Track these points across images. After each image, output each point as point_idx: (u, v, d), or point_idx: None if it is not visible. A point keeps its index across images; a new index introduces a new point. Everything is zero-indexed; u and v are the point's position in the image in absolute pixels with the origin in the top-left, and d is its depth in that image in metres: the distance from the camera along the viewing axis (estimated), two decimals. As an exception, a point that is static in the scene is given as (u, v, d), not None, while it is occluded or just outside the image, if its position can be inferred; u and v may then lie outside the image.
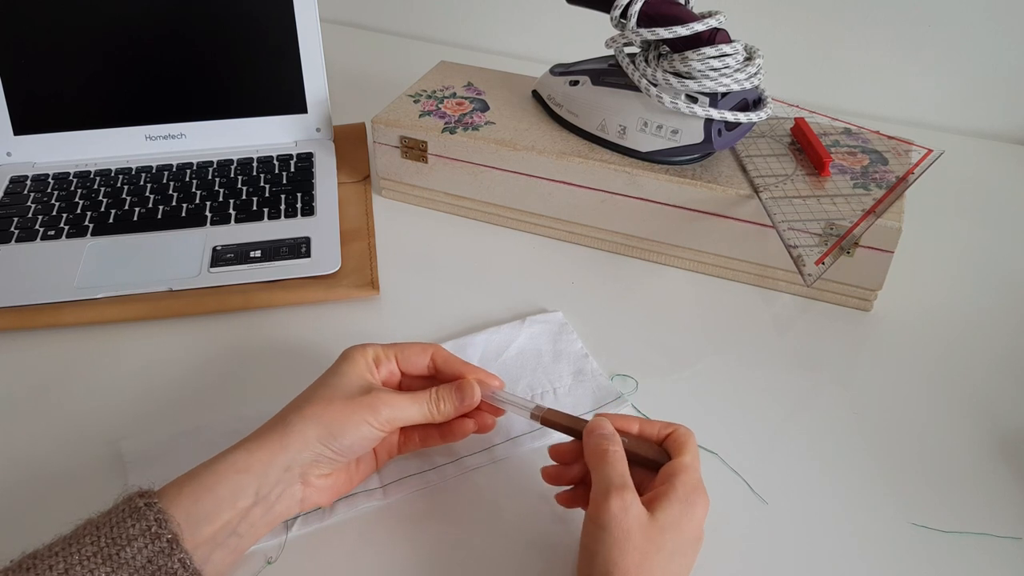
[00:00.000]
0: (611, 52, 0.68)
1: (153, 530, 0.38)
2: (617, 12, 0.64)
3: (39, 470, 0.51)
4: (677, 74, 0.63)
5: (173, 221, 0.71)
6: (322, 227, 0.71)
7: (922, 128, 0.91)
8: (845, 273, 0.63)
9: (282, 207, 0.73)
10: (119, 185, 0.75)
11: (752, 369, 0.59)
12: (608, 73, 0.69)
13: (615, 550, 0.39)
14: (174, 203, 0.73)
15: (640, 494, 0.41)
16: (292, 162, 0.78)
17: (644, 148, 0.66)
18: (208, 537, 0.40)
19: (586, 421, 0.46)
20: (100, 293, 0.63)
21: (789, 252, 0.59)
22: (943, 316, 0.64)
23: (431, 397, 0.47)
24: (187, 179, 0.76)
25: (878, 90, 0.93)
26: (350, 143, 0.83)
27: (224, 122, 0.80)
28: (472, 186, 0.73)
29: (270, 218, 0.71)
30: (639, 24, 0.63)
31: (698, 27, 0.60)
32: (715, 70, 0.61)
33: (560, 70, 0.73)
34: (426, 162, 0.73)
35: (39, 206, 0.72)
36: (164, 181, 0.76)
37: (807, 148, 0.67)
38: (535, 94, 0.77)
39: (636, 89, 0.65)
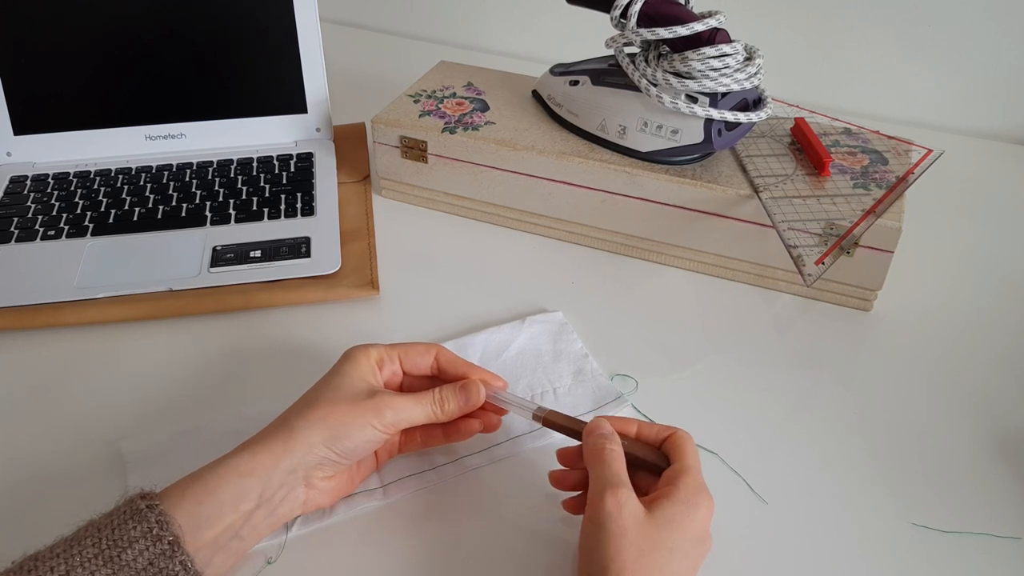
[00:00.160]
0: (611, 52, 0.68)
1: (155, 532, 0.38)
2: (617, 12, 0.64)
3: (39, 470, 0.51)
4: (677, 74, 0.63)
5: (173, 221, 0.71)
6: (322, 227, 0.71)
7: (922, 128, 0.91)
8: (845, 273, 0.63)
9: (282, 207, 0.73)
10: (119, 185, 0.75)
11: (752, 369, 0.59)
12: (608, 73, 0.69)
13: (611, 546, 0.39)
14: (174, 203, 0.73)
15: (642, 497, 0.41)
16: (292, 162, 0.78)
17: (644, 148, 0.66)
18: (210, 540, 0.40)
19: (587, 423, 0.46)
20: (100, 293, 0.63)
21: (789, 252, 0.59)
22: (943, 316, 0.64)
23: (435, 398, 0.47)
24: (187, 179, 0.76)
25: (878, 90, 0.93)
26: (350, 143, 0.83)
27: (224, 122, 0.79)
28: (472, 186, 0.73)
29: (270, 218, 0.71)
30: (639, 24, 0.63)
31: (698, 27, 0.60)
32: (715, 70, 0.61)
33: (560, 70, 0.73)
34: (426, 162, 0.73)
35: (39, 206, 0.72)
36: (164, 181, 0.76)
37: (807, 148, 0.67)
38: (535, 94, 0.77)
39: (636, 89, 0.65)
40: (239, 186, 0.75)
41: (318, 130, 0.82)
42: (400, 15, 1.15)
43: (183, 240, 0.69)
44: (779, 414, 0.56)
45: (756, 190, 0.63)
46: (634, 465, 0.44)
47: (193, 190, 0.74)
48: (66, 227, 0.70)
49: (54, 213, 0.71)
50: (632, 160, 0.67)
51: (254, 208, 0.72)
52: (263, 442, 0.43)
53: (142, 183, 0.75)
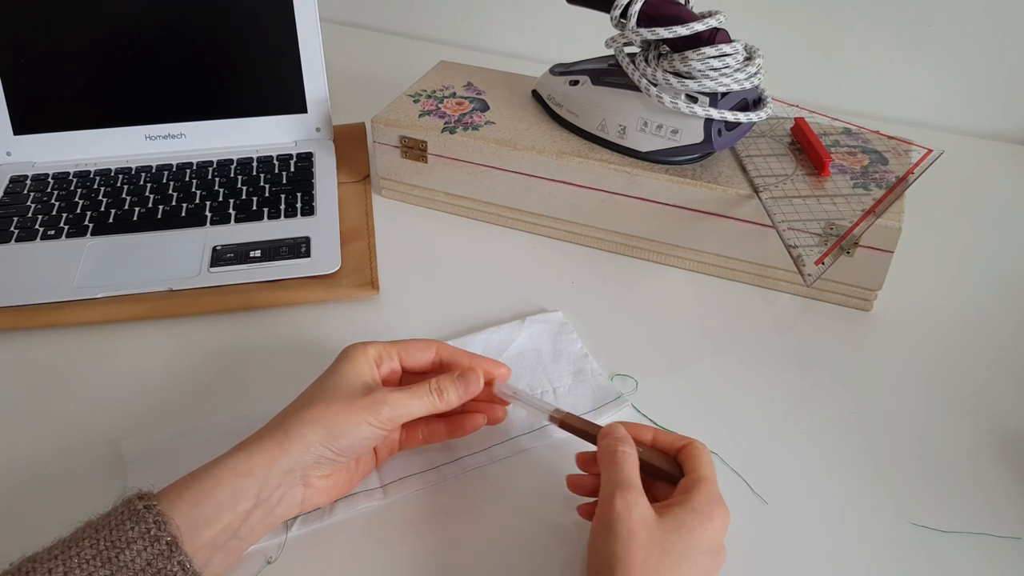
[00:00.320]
0: (611, 52, 0.68)
1: (152, 532, 0.38)
2: (617, 12, 0.64)
3: (39, 470, 0.51)
4: (677, 74, 0.62)
5: (173, 221, 0.71)
6: (322, 227, 0.71)
7: (922, 128, 0.91)
8: (845, 273, 0.63)
9: (282, 207, 0.73)
10: (119, 185, 0.75)
11: (752, 369, 0.59)
12: (608, 73, 0.69)
13: (619, 546, 0.39)
14: (174, 203, 0.73)
15: (656, 504, 0.41)
16: (292, 162, 0.78)
17: (644, 148, 0.66)
18: (208, 541, 0.40)
19: (603, 427, 0.46)
20: (100, 293, 0.63)
21: (789, 252, 0.59)
22: (943, 316, 0.64)
23: (431, 388, 0.46)
24: (187, 179, 0.76)
25: (878, 90, 0.93)
26: (350, 143, 0.83)
27: (224, 122, 0.79)
28: (472, 186, 0.73)
29: (270, 218, 0.71)
30: (639, 24, 0.63)
31: (698, 27, 0.60)
32: (715, 70, 0.61)
33: (560, 70, 0.73)
34: (426, 162, 0.73)
35: (39, 206, 0.72)
36: (164, 181, 0.76)
37: (807, 148, 0.67)
38: (535, 94, 0.77)
39: (636, 89, 0.65)
40: (239, 186, 0.75)
41: (318, 130, 0.82)
42: (400, 15, 1.15)
43: (183, 240, 0.69)
44: (779, 414, 0.56)
45: (756, 190, 0.63)
46: (648, 472, 0.44)
47: (193, 190, 0.74)
48: (66, 227, 0.70)
49: (54, 213, 0.71)
50: (632, 160, 0.67)
51: (254, 208, 0.72)
52: (259, 442, 0.43)
53: (142, 183, 0.75)
